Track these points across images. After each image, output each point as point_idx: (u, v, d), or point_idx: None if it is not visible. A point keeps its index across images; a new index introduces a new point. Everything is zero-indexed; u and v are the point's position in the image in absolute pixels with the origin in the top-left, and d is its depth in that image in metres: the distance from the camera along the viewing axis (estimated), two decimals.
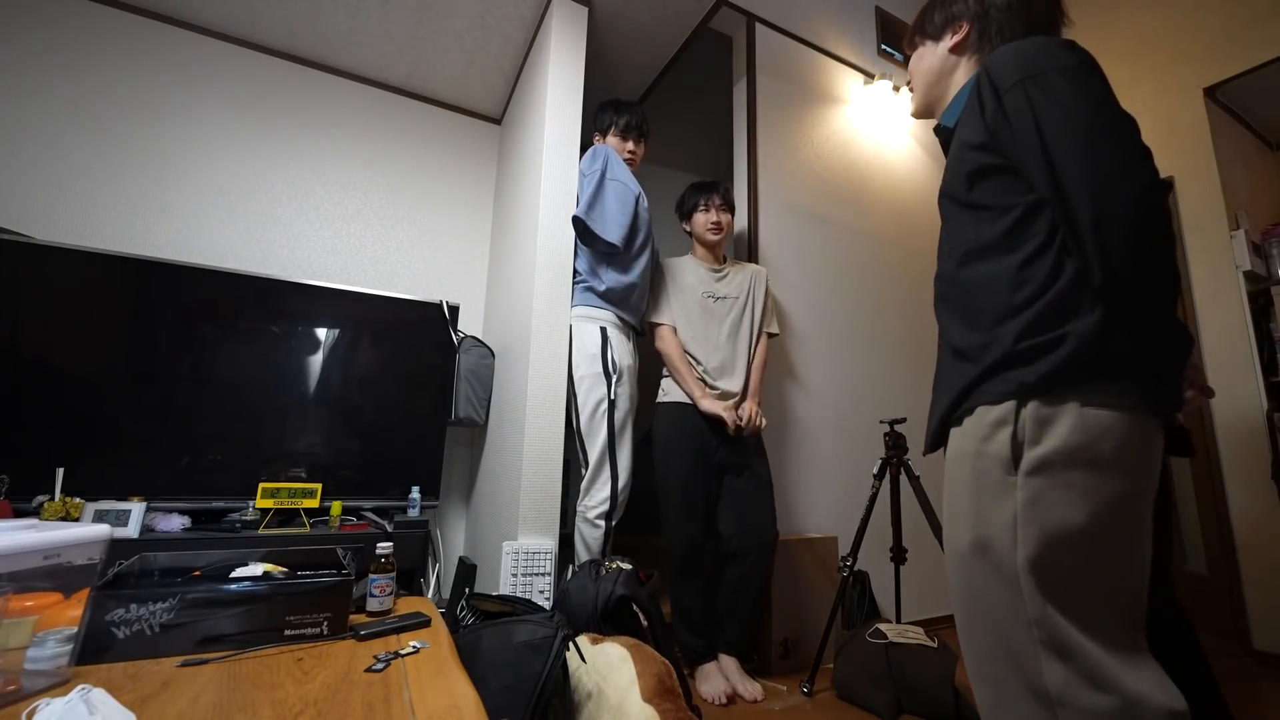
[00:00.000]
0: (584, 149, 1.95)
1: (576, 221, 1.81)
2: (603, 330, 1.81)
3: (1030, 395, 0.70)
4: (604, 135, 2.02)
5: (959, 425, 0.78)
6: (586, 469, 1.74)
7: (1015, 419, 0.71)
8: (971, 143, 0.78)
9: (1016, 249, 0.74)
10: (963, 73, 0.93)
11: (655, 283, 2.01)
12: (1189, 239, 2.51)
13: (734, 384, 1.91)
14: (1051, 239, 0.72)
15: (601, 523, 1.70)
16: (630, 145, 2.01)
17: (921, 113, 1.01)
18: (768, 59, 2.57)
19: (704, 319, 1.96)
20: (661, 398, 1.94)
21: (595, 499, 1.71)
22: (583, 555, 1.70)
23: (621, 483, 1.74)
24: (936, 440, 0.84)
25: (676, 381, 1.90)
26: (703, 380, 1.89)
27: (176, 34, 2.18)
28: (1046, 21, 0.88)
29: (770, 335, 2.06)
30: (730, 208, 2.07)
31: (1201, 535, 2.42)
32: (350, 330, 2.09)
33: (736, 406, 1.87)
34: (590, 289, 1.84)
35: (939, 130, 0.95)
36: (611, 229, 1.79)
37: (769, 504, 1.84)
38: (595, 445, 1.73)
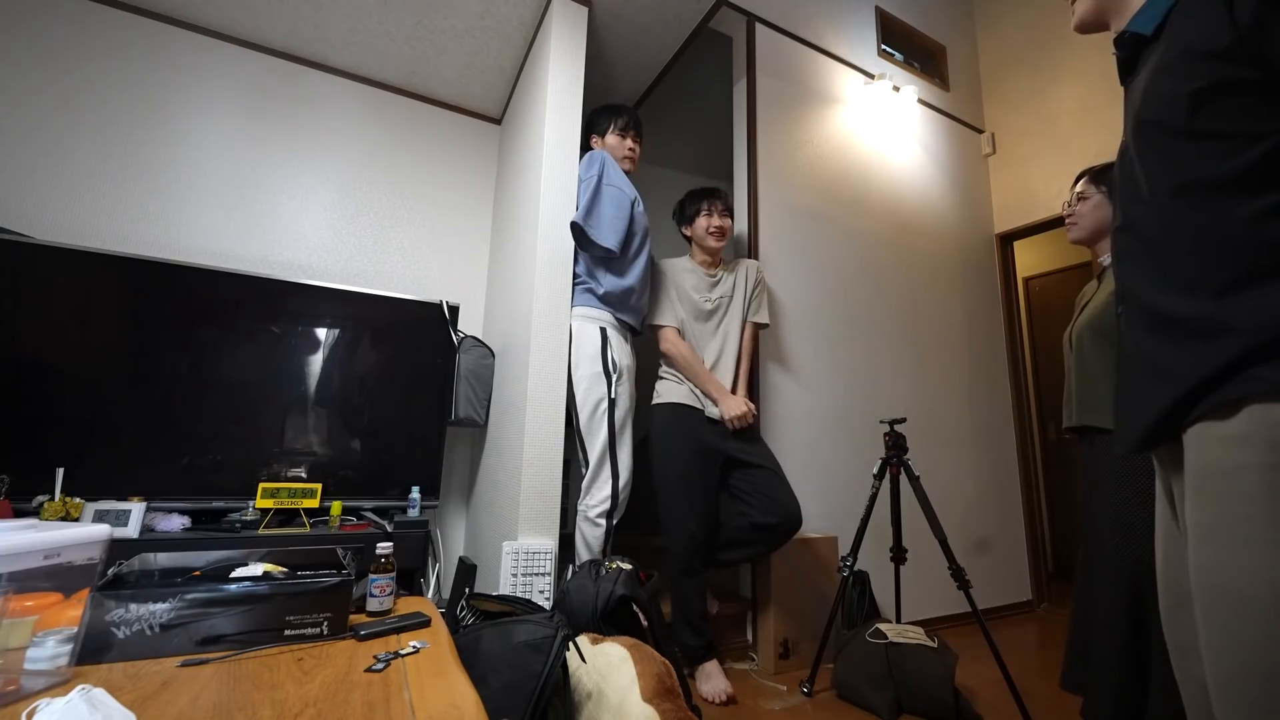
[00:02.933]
0: (583, 151, 1.96)
1: (574, 227, 1.82)
2: (602, 330, 1.81)
3: None
4: (602, 137, 2.04)
5: (1212, 426, 0.61)
6: (587, 468, 1.75)
7: None
8: (1208, 50, 0.60)
9: (1271, 188, 0.58)
10: None
11: (655, 285, 2.02)
12: None
13: (724, 380, 1.94)
14: None
15: (603, 521, 1.70)
16: (629, 143, 2.03)
17: (1088, 24, 0.84)
18: (768, 59, 2.57)
19: (696, 324, 1.98)
20: (657, 399, 1.95)
21: (596, 498, 1.71)
22: (583, 554, 1.70)
23: (622, 481, 1.74)
24: (1154, 437, 0.67)
25: (693, 382, 1.91)
26: (692, 386, 1.92)
27: (176, 34, 2.18)
28: None
29: (759, 325, 2.07)
30: (731, 214, 2.08)
31: None
32: (350, 330, 2.09)
33: None
34: (589, 290, 1.85)
35: (1124, 40, 0.77)
36: (608, 234, 1.80)
37: (790, 490, 1.87)
38: (596, 444, 1.74)
